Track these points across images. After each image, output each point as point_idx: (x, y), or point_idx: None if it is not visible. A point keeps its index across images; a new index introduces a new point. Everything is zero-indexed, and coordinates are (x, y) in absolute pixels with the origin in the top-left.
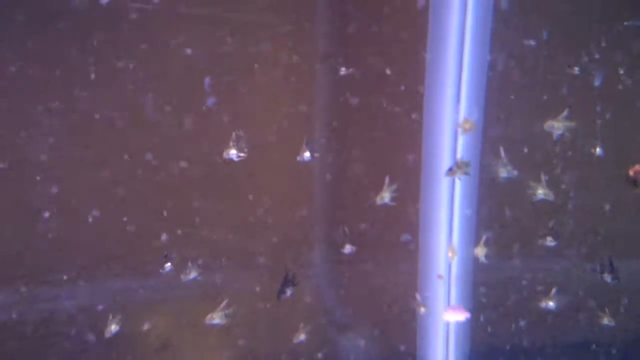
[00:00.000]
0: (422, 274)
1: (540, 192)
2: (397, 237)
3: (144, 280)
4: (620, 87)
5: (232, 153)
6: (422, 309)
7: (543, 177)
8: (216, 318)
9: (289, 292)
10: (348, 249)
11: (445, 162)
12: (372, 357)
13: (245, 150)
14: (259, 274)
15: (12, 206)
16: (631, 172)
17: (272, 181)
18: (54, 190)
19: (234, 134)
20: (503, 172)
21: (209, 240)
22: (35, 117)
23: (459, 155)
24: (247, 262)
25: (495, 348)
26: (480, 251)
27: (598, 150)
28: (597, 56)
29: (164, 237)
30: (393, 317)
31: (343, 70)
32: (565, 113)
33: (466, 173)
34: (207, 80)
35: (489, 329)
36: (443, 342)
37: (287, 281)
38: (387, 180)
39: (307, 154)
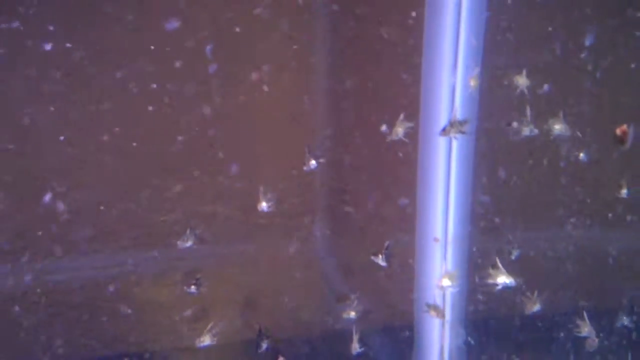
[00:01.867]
0: (419, 238)
1: (526, 130)
2: (395, 201)
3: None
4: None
5: (312, 164)
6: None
7: (528, 112)
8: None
9: (264, 345)
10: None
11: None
12: (370, 326)
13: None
14: (260, 245)
15: (16, 180)
16: (618, 131)
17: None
18: (60, 162)
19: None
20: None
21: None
22: (39, 87)
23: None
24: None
25: (491, 313)
26: None
27: (582, 155)
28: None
29: (169, 212)
30: (392, 284)
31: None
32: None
33: (462, 132)
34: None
35: (485, 295)
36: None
37: (261, 335)
38: (401, 116)
39: (313, 162)
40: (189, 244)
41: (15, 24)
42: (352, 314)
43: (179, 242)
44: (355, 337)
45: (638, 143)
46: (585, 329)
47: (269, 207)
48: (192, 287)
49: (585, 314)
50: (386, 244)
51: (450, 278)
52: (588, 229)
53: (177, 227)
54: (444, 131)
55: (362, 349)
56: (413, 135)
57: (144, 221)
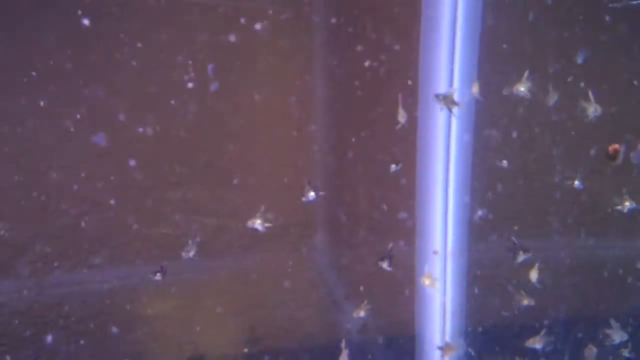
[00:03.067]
0: (419, 251)
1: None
2: (395, 215)
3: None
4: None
5: (258, 223)
6: (427, 282)
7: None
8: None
9: None
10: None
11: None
12: (372, 334)
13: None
14: (262, 256)
15: (21, 192)
16: (610, 149)
17: (274, 161)
18: (63, 176)
19: (262, 208)
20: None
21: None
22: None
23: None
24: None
25: (491, 322)
26: None
27: (576, 182)
28: None
29: (169, 221)
30: (392, 295)
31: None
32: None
33: (454, 103)
34: (210, 66)
35: (485, 303)
36: (440, 317)
37: None
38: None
39: (312, 194)
40: (191, 254)
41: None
42: (362, 313)
43: (182, 253)
44: (345, 352)
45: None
46: (616, 335)
47: (264, 227)
48: (158, 274)
49: (612, 321)
50: (389, 247)
51: (430, 281)
52: (583, 239)
53: (180, 240)
54: (437, 97)
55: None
56: (411, 150)
57: (146, 234)
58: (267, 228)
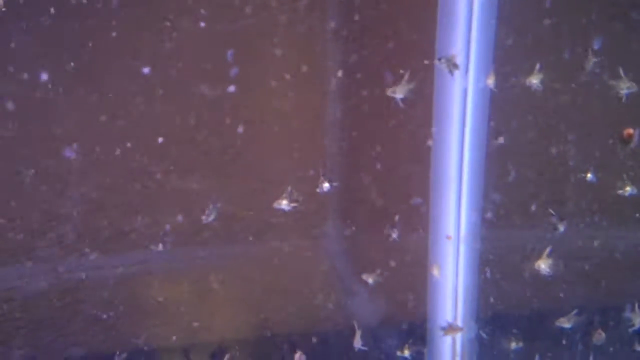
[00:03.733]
0: (433, 235)
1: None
2: (409, 200)
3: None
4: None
5: (284, 203)
6: (436, 272)
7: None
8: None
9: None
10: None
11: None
12: (384, 319)
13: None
14: (275, 243)
15: (37, 178)
16: (625, 133)
17: (288, 148)
18: (74, 165)
19: (289, 188)
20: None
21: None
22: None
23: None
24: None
25: (503, 306)
26: None
27: (589, 175)
28: None
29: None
30: (405, 280)
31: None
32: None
33: (455, 66)
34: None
35: (497, 288)
36: (452, 301)
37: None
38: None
39: (326, 185)
40: (211, 218)
41: None
42: (370, 280)
43: (203, 217)
44: (358, 333)
45: None
46: (638, 319)
47: (291, 206)
48: (160, 245)
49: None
50: (397, 217)
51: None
52: (596, 226)
53: (193, 227)
54: (439, 60)
55: (365, 347)
56: (426, 135)
57: (161, 220)
58: (293, 208)
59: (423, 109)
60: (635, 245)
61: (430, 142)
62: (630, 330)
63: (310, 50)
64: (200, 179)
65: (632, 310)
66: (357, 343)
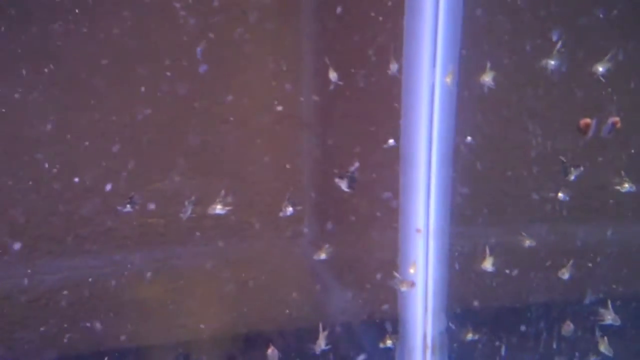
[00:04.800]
0: (403, 229)
1: None
2: (380, 196)
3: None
4: None
5: (218, 208)
6: (412, 270)
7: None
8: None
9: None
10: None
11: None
12: (355, 313)
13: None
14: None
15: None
16: (581, 124)
17: (262, 148)
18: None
19: (222, 192)
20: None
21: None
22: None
23: None
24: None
25: (472, 298)
26: None
27: (572, 175)
28: None
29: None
30: (376, 274)
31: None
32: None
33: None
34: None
35: (465, 280)
36: (422, 294)
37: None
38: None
39: (290, 209)
40: (187, 215)
41: None
42: (323, 256)
43: (180, 215)
44: (323, 334)
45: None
46: (609, 316)
47: (225, 210)
48: (127, 206)
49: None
50: (352, 168)
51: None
52: (561, 221)
53: (170, 227)
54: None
55: (328, 346)
56: (396, 132)
57: (140, 221)
58: (228, 211)
59: (391, 105)
60: (601, 239)
61: (399, 139)
62: (598, 323)
63: (283, 51)
64: (177, 177)
65: (605, 306)
66: (321, 344)
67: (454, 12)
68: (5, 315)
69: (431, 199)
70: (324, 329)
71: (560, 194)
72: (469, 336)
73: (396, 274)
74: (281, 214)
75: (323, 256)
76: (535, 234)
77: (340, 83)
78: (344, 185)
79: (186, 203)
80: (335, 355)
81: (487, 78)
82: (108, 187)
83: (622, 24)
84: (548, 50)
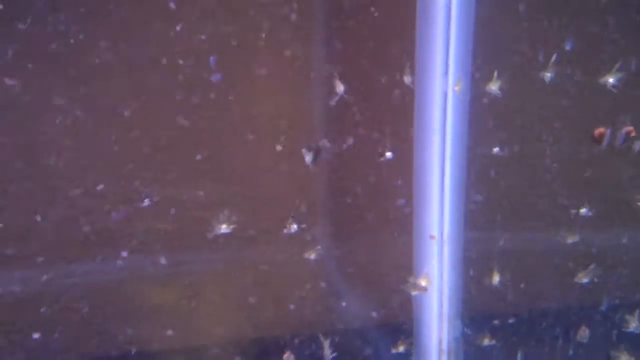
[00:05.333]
0: (417, 236)
1: None
2: (393, 203)
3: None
4: None
5: (223, 227)
6: (425, 282)
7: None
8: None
9: None
10: None
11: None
12: (372, 319)
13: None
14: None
15: (26, 184)
16: (596, 133)
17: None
18: (60, 170)
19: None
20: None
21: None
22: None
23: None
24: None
25: (487, 304)
26: None
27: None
28: None
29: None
30: (390, 280)
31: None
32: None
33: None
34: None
35: (480, 286)
36: (438, 301)
37: None
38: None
39: (294, 227)
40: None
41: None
42: (313, 255)
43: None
44: (326, 343)
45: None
46: (633, 324)
47: (230, 229)
48: (146, 200)
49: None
50: (319, 142)
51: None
52: (577, 229)
53: (181, 232)
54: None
55: (335, 353)
56: (409, 138)
57: (152, 226)
58: (233, 230)
59: (405, 115)
60: (617, 245)
61: (412, 148)
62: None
63: (293, 55)
64: (185, 186)
65: (631, 313)
66: (327, 354)
67: (467, 21)
68: (22, 318)
69: (445, 205)
70: (325, 338)
71: (582, 209)
72: (485, 342)
73: (409, 279)
74: (285, 231)
75: (313, 256)
76: (549, 240)
77: (346, 96)
78: (308, 158)
79: (215, 226)
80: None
81: (494, 87)
82: (121, 193)
83: (634, 31)
84: (561, 59)
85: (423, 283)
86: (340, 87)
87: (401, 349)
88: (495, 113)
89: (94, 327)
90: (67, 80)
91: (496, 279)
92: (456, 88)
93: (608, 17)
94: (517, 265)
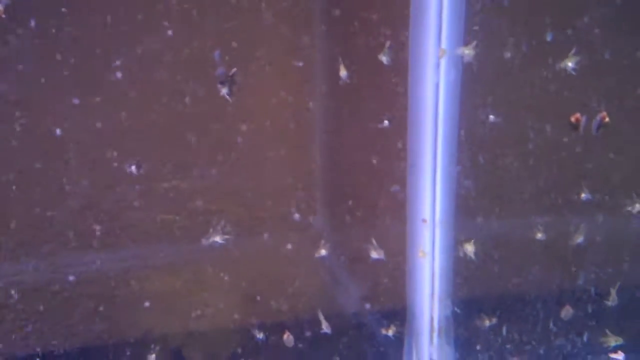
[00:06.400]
0: (410, 220)
1: None
2: (388, 189)
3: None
4: None
5: (218, 237)
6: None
7: None
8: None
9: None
10: None
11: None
12: (365, 300)
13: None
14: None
15: (38, 176)
16: (572, 119)
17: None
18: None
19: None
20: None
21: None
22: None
23: None
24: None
25: (476, 284)
26: None
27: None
28: None
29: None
30: (385, 263)
31: None
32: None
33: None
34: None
35: (470, 268)
36: (429, 282)
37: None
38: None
39: (297, 215)
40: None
41: None
42: (323, 252)
43: (203, 240)
44: (322, 317)
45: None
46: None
47: (224, 239)
48: (133, 167)
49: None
50: (231, 72)
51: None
52: (565, 214)
53: (184, 223)
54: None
55: (331, 333)
56: (403, 127)
57: (159, 217)
58: (225, 240)
59: (398, 104)
60: (611, 231)
61: (406, 135)
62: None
63: (296, 51)
64: (194, 177)
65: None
66: (325, 327)
67: (458, 14)
68: (33, 306)
69: (437, 191)
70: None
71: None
72: (474, 320)
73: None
74: (290, 218)
75: (323, 252)
76: (537, 225)
77: (348, 81)
78: (224, 90)
79: (211, 230)
80: (346, 339)
81: (467, 51)
82: (128, 184)
83: (619, 22)
84: (548, 49)
85: (420, 255)
86: (343, 72)
87: (394, 327)
88: (485, 100)
89: (102, 315)
90: (78, 76)
91: (471, 249)
92: (440, 58)
93: (594, 8)
94: (505, 247)
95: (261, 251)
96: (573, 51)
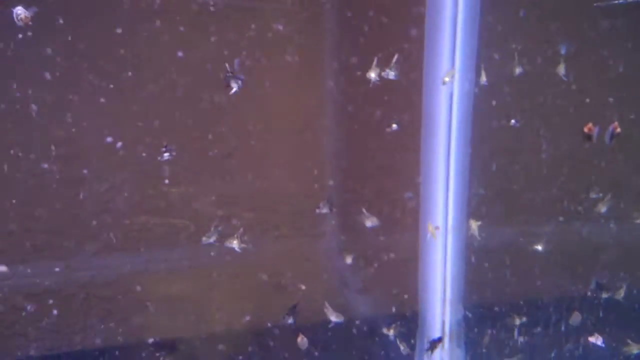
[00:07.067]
0: (423, 227)
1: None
2: (402, 195)
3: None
4: None
5: (235, 243)
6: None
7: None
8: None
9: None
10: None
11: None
12: (379, 305)
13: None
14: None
15: (55, 181)
16: (585, 129)
17: (286, 150)
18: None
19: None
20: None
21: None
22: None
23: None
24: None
25: (488, 289)
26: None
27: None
28: None
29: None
30: (398, 271)
31: None
32: None
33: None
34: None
35: (481, 273)
36: (441, 287)
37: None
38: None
39: (325, 209)
40: (212, 240)
41: None
42: (349, 260)
43: (203, 238)
44: (301, 336)
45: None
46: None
47: (240, 247)
48: (165, 154)
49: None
50: (235, 66)
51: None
52: (574, 222)
53: (196, 227)
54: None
55: (340, 319)
56: (416, 135)
57: (168, 221)
58: (242, 249)
59: (412, 114)
60: (613, 239)
61: (419, 143)
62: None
63: (307, 56)
64: (204, 181)
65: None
66: (302, 344)
67: (472, 23)
68: (45, 308)
69: (449, 199)
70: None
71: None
72: (485, 325)
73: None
74: (317, 211)
75: (349, 261)
76: (548, 233)
77: (378, 81)
78: (234, 85)
79: (212, 229)
80: (359, 344)
81: (484, 78)
82: (138, 189)
83: (628, 33)
84: (558, 60)
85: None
86: (373, 72)
87: (408, 330)
88: (498, 111)
89: (115, 316)
90: (97, 75)
91: (474, 226)
92: (445, 79)
93: (603, 19)
94: (516, 253)
95: (274, 256)
96: (584, 61)
